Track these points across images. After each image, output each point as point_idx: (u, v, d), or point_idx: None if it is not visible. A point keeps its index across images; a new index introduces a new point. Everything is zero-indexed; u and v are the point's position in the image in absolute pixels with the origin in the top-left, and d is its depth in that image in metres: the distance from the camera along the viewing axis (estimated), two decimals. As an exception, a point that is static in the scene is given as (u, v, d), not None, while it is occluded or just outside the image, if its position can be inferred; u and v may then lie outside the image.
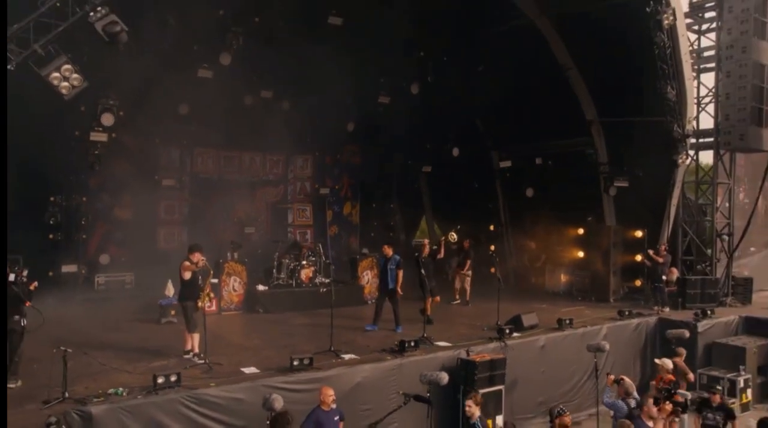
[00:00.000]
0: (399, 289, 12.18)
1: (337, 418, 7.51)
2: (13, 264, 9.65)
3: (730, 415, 8.63)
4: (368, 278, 15.73)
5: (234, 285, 13.52)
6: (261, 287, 13.94)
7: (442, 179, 20.96)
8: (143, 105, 13.56)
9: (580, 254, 17.27)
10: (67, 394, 7.07)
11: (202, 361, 8.84)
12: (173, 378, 7.61)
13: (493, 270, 15.03)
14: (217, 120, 15.71)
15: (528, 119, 17.44)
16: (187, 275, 9.43)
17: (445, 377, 8.45)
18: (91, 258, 15.23)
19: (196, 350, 9.32)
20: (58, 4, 7.12)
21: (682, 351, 11.34)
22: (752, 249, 17.57)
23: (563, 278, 17.81)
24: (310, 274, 14.89)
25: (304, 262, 14.89)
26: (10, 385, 7.70)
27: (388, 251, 12.34)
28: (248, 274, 13.90)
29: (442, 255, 14.36)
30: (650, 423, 7.41)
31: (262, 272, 14.68)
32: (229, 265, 13.50)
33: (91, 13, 7.17)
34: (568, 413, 7.53)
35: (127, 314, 12.84)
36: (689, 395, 9.26)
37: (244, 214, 18.04)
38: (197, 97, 14.78)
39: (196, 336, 9.40)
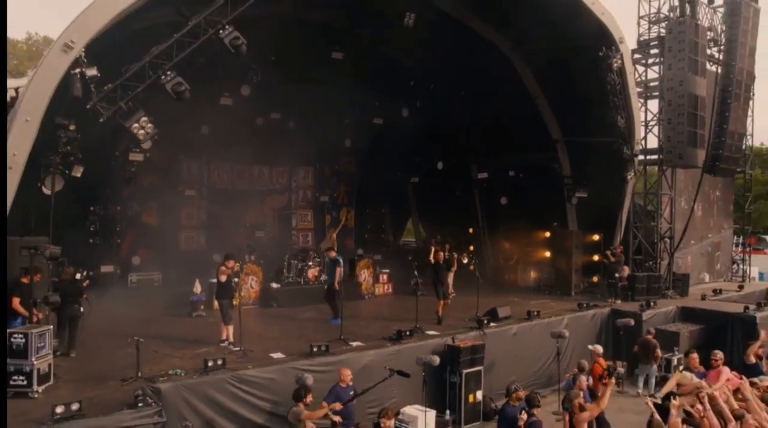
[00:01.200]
0: (336, 285, 12.90)
1: (351, 393, 8.61)
2: (59, 265, 10.87)
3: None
4: (365, 276, 16.66)
5: (251, 283, 14.46)
6: (274, 285, 14.94)
7: (427, 188, 21.93)
8: (173, 129, 14.55)
9: (547, 254, 18.16)
10: (140, 374, 8.18)
11: (237, 348, 9.90)
12: (219, 362, 8.67)
13: (472, 267, 15.81)
14: (232, 138, 16.66)
15: (502, 137, 18.39)
16: (223, 278, 10.64)
17: (437, 359, 9.65)
18: (124, 260, 16.18)
19: (231, 339, 10.41)
20: (137, 70, 8.28)
21: (653, 330, 12.69)
22: (692, 242, 18.88)
23: (532, 275, 18.60)
24: (316, 273, 15.91)
25: (310, 263, 15.95)
26: (71, 354, 9.33)
27: (332, 253, 13.33)
28: (263, 273, 14.83)
29: (456, 267, 14.78)
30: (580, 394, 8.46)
31: (274, 271, 15.62)
32: (247, 266, 14.39)
33: (163, 77, 8.35)
34: (520, 389, 8.51)
35: (160, 308, 13.67)
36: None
37: (254, 220, 18.98)
38: (217, 120, 15.83)
39: (231, 328, 10.48)
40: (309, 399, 8.00)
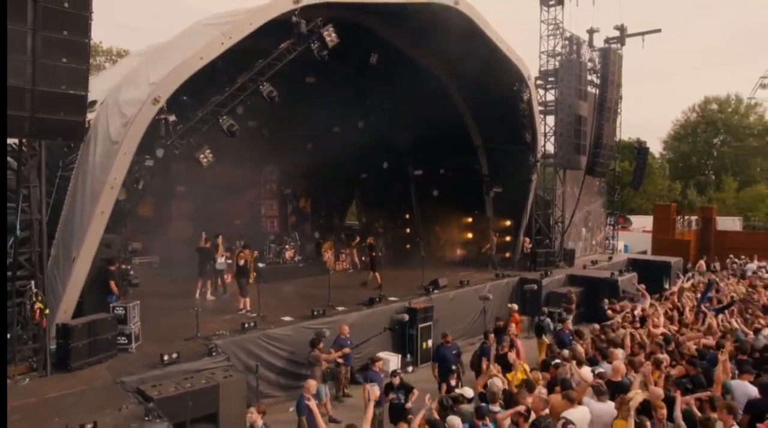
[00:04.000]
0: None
1: (349, 342, 11.05)
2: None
3: (409, 390, 8.44)
4: (328, 255, 18.85)
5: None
6: (261, 264, 16.83)
7: (373, 182, 24.01)
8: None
9: (470, 235, 20.86)
10: (198, 334, 10.21)
11: (255, 314, 11.92)
12: (252, 324, 10.76)
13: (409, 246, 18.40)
14: (216, 142, 18.09)
15: (435, 143, 20.64)
16: (242, 262, 12.74)
17: (406, 317, 12.30)
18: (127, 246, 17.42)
19: (248, 308, 12.43)
20: (200, 114, 10.08)
21: (573, 290, 15.39)
22: (577, 212, 22.36)
23: (458, 252, 21.12)
24: (292, 254, 18.16)
25: (286, 247, 18.14)
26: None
27: (217, 241, 14.82)
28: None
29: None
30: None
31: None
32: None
33: (221, 119, 10.21)
34: (449, 335, 10.83)
35: (168, 287, 14.96)
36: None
37: (232, 210, 20.29)
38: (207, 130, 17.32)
39: (247, 300, 12.49)
40: (321, 345, 10.23)
